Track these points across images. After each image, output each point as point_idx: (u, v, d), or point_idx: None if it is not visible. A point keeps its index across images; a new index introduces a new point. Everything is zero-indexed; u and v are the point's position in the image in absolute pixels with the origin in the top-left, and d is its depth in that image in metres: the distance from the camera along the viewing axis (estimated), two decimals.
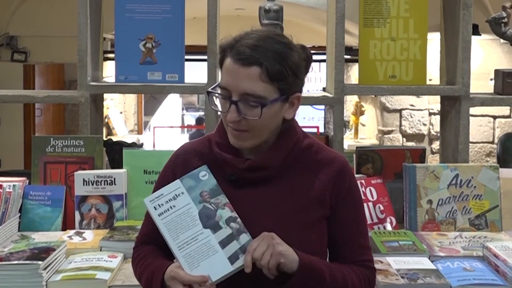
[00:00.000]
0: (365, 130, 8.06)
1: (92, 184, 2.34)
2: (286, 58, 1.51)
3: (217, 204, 1.54)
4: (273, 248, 1.45)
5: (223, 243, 1.50)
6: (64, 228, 2.32)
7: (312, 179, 1.60)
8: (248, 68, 1.48)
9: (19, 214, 2.29)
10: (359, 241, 1.63)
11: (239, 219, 1.52)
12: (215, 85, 1.58)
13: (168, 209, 1.54)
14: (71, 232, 2.24)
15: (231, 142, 1.57)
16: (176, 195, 1.55)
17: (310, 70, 1.66)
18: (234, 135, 1.55)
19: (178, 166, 1.65)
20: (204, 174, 1.57)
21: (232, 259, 1.49)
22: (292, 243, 1.49)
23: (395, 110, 7.30)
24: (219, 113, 1.70)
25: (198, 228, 1.51)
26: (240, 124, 1.52)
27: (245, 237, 1.50)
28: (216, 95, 1.55)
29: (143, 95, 9.26)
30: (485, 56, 6.89)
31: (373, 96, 7.42)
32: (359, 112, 7.59)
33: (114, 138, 3.03)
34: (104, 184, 2.34)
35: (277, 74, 1.50)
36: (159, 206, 1.54)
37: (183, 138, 10.94)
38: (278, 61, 1.50)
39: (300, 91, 1.59)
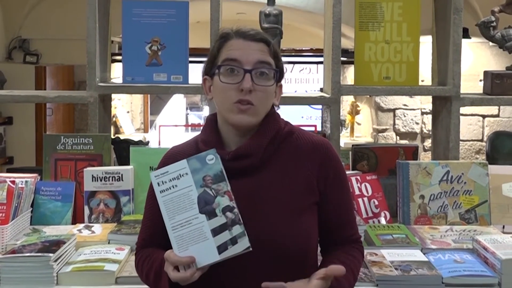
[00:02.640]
0: (360, 129, 8.03)
1: (101, 180, 2.37)
2: (276, 46, 1.65)
3: (218, 191, 1.49)
4: None
5: (215, 231, 1.46)
6: (74, 222, 2.36)
7: (298, 165, 1.58)
8: (258, 43, 1.58)
9: (31, 209, 2.32)
10: (349, 218, 1.65)
11: (236, 210, 1.48)
12: (221, 60, 1.57)
13: (170, 188, 1.51)
14: (81, 225, 2.27)
15: (236, 121, 1.55)
16: (180, 175, 1.51)
17: None
18: (241, 110, 1.54)
19: None
20: (211, 158, 1.52)
21: (221, 248, 1.45)
22: (283, 230, 1.50)
23: (389, 110, 7.30)
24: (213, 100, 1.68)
25: (194, 212, 1.48)
26: (251, 96, 1.54)
27: (238, 229, 1.46)
28: (228, 67, 1.55)
29: (149, 95, 9.18)
30: (475, 58, 6.89)
31: (368, 96, 7.39)
32: (354, 111, 7.60)
33: (122, 136, 3.06)
34: (112, 180, 2.37)
35: (277, 55, 1.62)
36: (163, 183, 1.51)
37: (187, 136, 10.90)
38: (274, 46, 1.63)
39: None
